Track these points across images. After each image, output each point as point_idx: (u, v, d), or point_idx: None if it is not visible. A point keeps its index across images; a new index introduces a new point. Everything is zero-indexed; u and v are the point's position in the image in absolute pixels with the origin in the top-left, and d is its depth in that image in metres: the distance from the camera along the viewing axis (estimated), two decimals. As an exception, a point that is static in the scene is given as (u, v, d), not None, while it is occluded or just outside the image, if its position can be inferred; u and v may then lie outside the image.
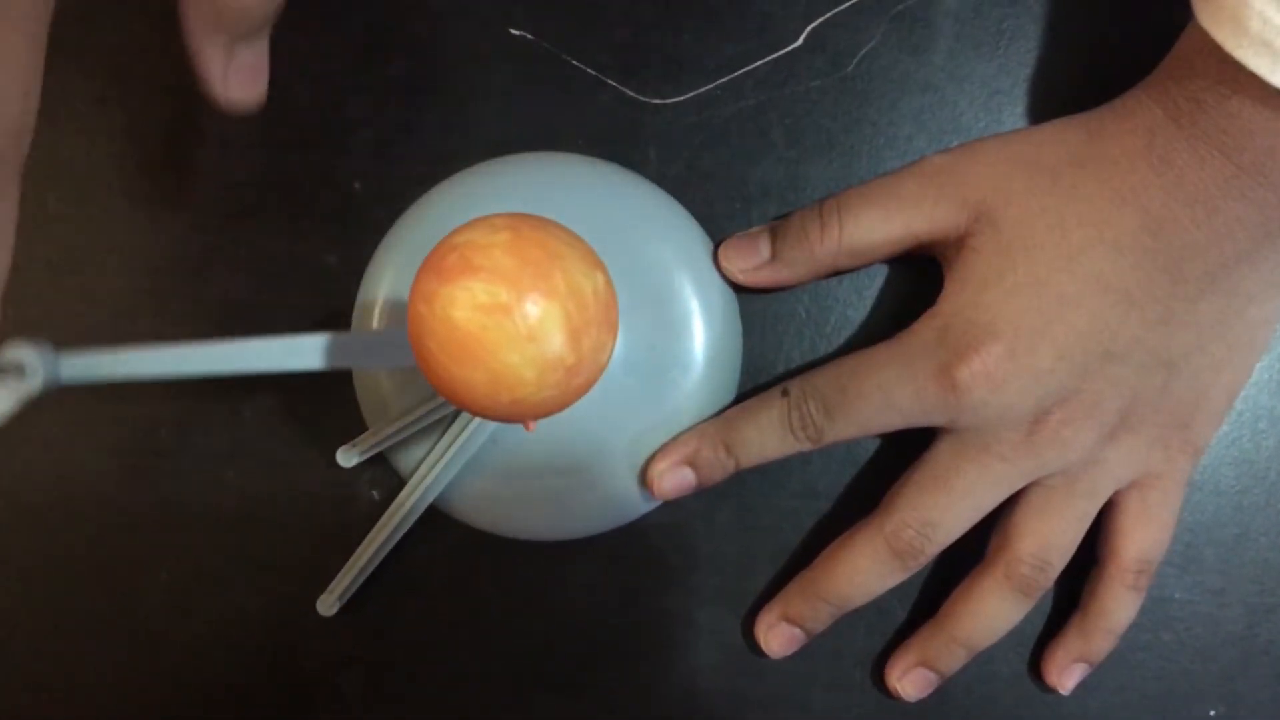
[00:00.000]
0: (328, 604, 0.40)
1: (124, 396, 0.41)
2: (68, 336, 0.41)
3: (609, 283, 0.30)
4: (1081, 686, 0.41)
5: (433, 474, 0.39)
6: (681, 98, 0.41)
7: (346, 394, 0.41)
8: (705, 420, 0.40)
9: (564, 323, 0.28)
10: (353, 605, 0.41)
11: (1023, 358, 0.36)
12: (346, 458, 0.40)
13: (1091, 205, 0.36)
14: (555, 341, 0.28)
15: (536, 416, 0.30)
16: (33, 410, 0.41)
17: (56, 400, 0.41)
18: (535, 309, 0.28)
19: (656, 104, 0.41)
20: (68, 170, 0.41)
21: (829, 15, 0.41)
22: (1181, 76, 0.35)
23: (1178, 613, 0.42)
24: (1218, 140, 0.34)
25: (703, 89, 0.41)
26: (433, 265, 0.29)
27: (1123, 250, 0.36)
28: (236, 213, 0.41)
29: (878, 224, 0.39)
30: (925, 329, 0.38)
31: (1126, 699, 0.42)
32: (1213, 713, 0.42)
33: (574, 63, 0.41)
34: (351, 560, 0.40)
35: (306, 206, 0.41)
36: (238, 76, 0.31)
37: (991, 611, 0.39)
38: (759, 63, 0.41)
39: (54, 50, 0.41)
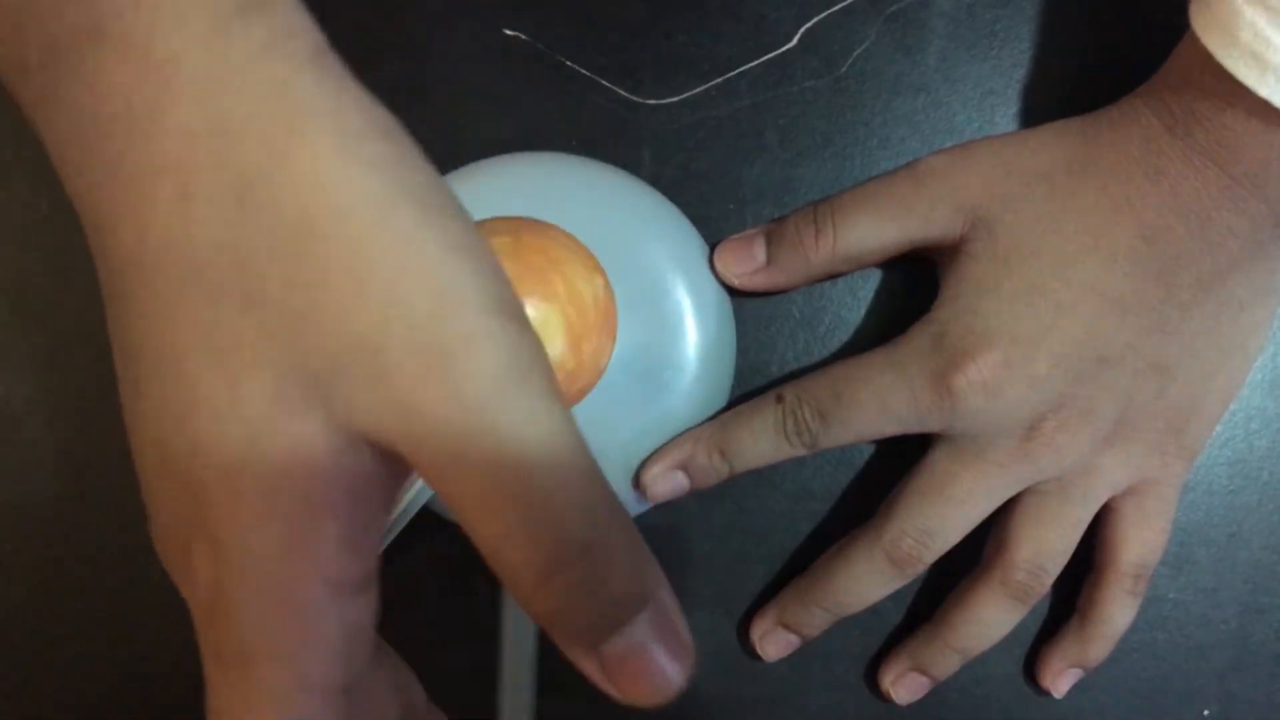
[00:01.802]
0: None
1: (115, 396, 0.41)
2: (63, 340, 0.41)
3: (609, 288, 0.30)
4: (1075, 687, 0.41)
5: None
6: (676, 98, 0.41)
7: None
8: (699, 424, 0.40)
9: (564, 328, 0.28)
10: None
11: (1019, 365, 0.36)
12: None
13: (1088, 214, 0.36)
14: (556, 347, 0.28)
15: (535, 421, 0.30)
16: (25, 410, 0.41)
17: (47, 399, 0.41)
18: (535, 314, 0.28)
19: (651, 105, 0.41)
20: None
21: (822, 16, 0.41)
22: (1177, 85, 0.35)
23: (1171, 613, 0.42)
24: (1211, 151, 0.34)
25: (697, 90, 0.41)
26: (431, 270, 0.28)
27: (1117, 259, 0.36)
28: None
29: (872, 229, 0.39)
30: (921, 335, 0.38)
31: (1120, 699, 0.42)
32: (1206, 713, 0.42)
33: (568, 63, 0.41)
34: (344, 561, 0.40)
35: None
36: (621, 674, 0.24)
37: (986, 618, 0.39)
38: (753, 63, 0.41)
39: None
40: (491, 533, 0.22)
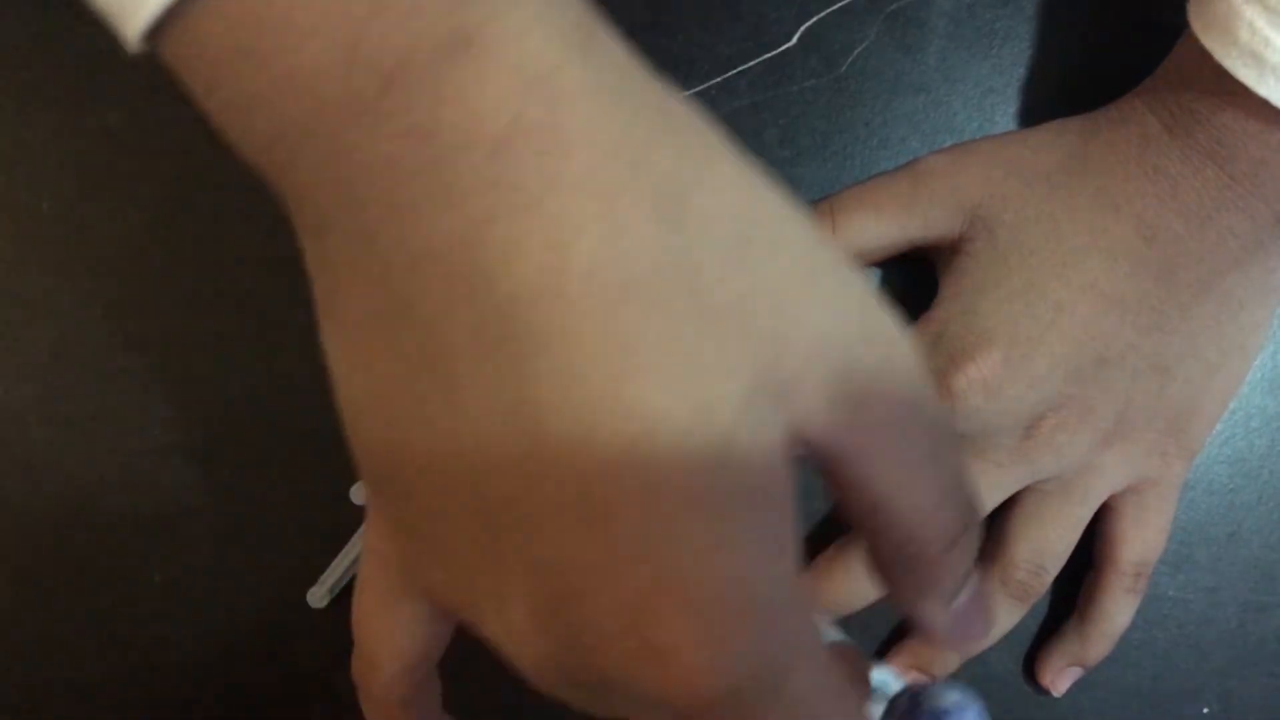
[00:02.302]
0: (318, 596, 0.40)
1: (115, 396, 0.41)
2: (63, 338, 0.41)
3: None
4: (1075, 685, 0.41)
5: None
6: (675, 98, 0.41)
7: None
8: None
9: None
10: (346, 602, 0.41)
11: (1018, 364, 0.36)
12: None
13: (1087, 213, 0.36)
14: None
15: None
16: (25, 410, 0.41)
17: (47, 399, 0.41)
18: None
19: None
20: (62, 171, 0.41)
21: (822, 15, 0.41)
22: (1176, 84, 0.35)
23: (1171, 611, 0.42)
24: (1211, 150, 0.34)
25: (697, 89, 0.41)
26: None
27: (1117, 258, 0.36)
28: (234, 212, 0.41)
29: (871, 228, 0.38)
30: (920, 335, 0.38)
31: (1120, 697, 0.42)
32: (1206, 710, 0.42)
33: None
34: (343, 552, 0.40)
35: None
36: (959, 625, 0.27)
37: None
38: (753, 63, 0.41)
39: (45, 48, 0.41)
40: (917, 506, 0.24)
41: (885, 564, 0.25)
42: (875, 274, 0.41)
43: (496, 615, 0.23)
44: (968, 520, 0.25)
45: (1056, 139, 0.38)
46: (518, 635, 0.23)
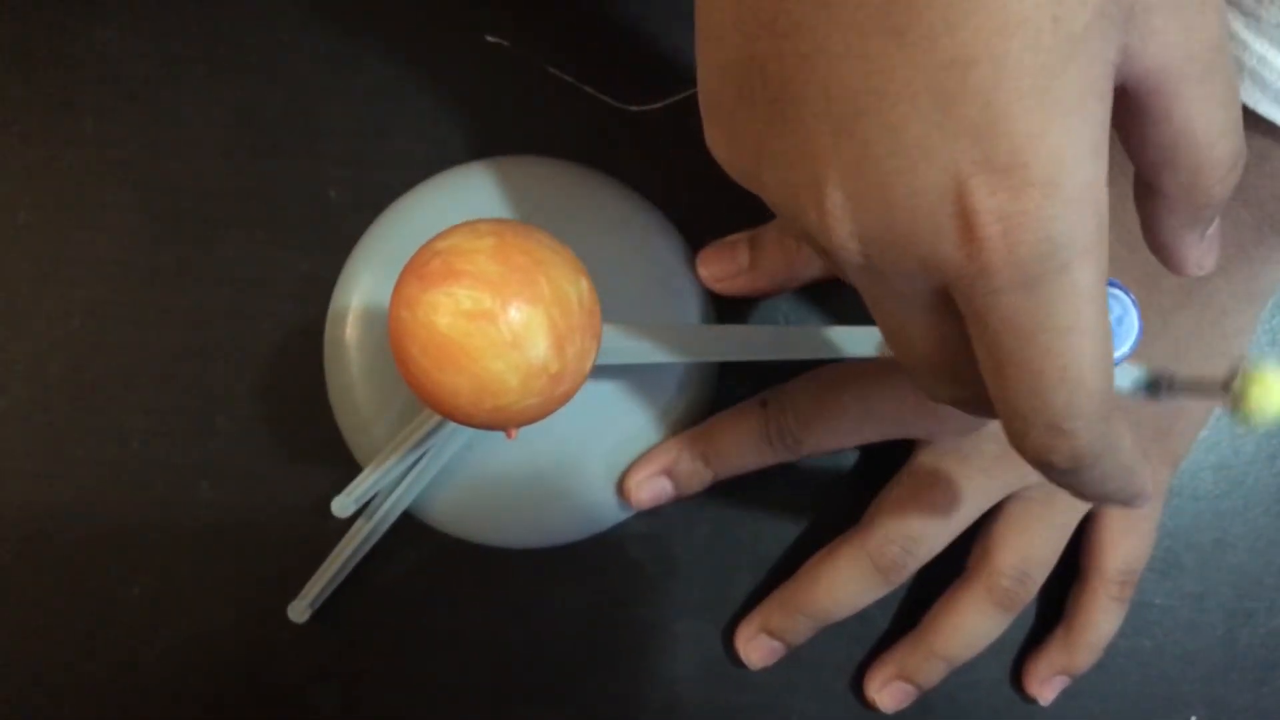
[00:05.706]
0: (299, 610, 0.40)
1: (94, 407, 0.40)
2: (41, 349, 0.40)
3: (593, 290, 0.30)
4: (1062, 694, 0.41)
5: (406, 480, 0.39)
6: (659, 104, 0.41)
7: (321, 403, 0.40)
8: (683, 430, 0.40)
9: (548, 330, 0.28)
10: (327, 616, 0.41)
11: None
12: (342, 506, 0.39)
13: None
14: (539, 348, 0.28)
15: (519, 424, 0.30)
16: (2, 421, 0.40)
17: (25, 410, 0.41)
18: (519, 315, 0.27)
19: (634, 110, 0.41)
20: (38, 181, 0.41)
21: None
22: None
23: (1157, 618, 0.42)
24: None
25: (681, 95, 0.41)
26: (415, 270, 0.28)
27: None
28: (211, 221, 0.41)
29: None
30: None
31: (1107, 705, 0.42)
32: (1193, 718, 0.42)
33: (551, 70, 0.41)
34: (324, 566, 0.40)
35: (281, 214, 0.41)
36: (1209, 251, 0.29)
37: (972, 626, 0.39)
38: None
39: (24, 57, 0.41)
40: (1212, 132, 0.25)
41: (1168, 197, 0.27)
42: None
43: (814, 202, 0.24)
44: (1241, 151, 0.26)
45: None
46: (832, 216, 0.24)
